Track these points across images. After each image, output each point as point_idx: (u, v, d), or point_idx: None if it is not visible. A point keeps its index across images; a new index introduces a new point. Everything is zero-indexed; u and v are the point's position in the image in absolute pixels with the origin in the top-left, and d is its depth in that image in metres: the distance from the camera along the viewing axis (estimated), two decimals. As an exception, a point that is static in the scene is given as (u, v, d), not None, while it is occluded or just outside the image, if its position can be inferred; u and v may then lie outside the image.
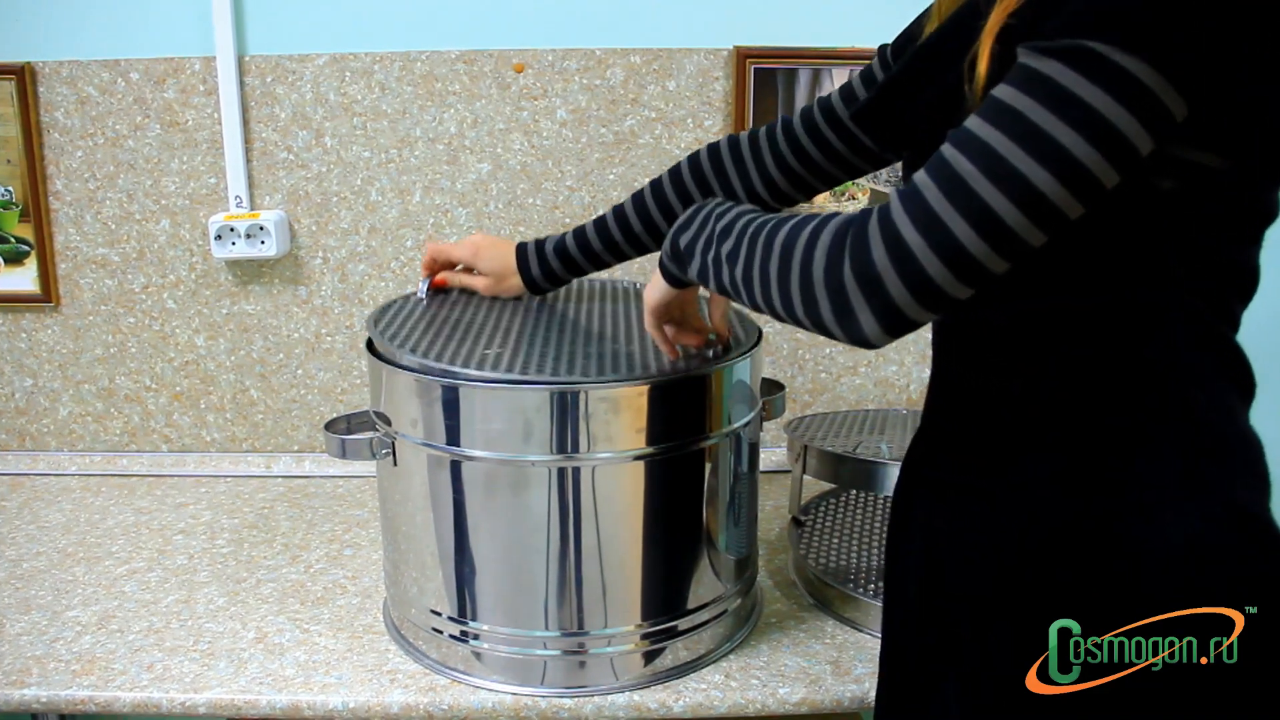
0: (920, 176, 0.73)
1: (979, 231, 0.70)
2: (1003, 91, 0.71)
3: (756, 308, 0.85)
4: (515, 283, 1.33)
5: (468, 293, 1.37)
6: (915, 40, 1.00)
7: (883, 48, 1.10)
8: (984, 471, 0.87)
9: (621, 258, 1.29)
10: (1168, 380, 0.79)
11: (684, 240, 0.95)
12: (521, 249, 1.32)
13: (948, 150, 0.72)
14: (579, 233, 1.29)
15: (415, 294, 1.38)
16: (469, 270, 1.37)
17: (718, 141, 1.22)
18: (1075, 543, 0.80)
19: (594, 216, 1.29)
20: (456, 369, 1.09)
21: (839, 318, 0.76)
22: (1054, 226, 0.71)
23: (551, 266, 1.30)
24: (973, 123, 0.71)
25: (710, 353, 1.16)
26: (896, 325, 0.74)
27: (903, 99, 0.88)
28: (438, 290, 1.39)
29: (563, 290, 1.39)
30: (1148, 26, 0.67)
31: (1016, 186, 0.69)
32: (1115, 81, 0.67)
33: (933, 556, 0.92)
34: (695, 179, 1.21)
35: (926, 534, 0.93)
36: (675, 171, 1.23)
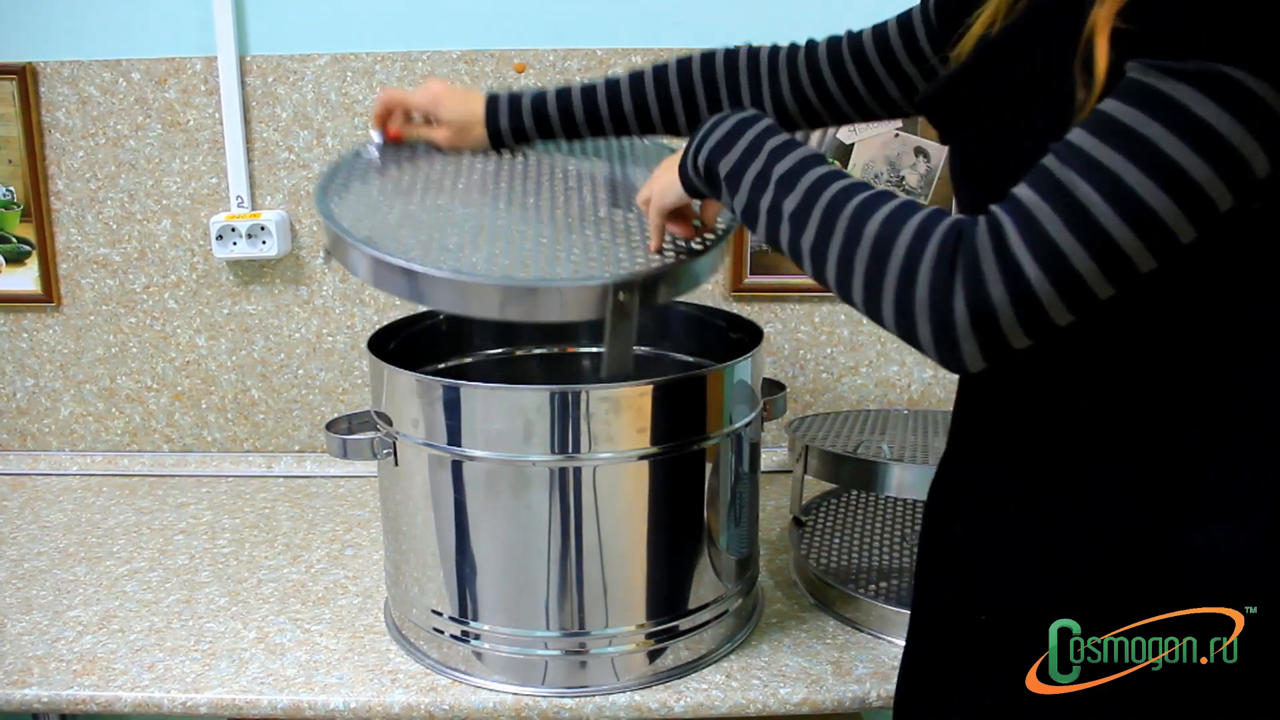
0: (1032, 198, 0.69)
1: (1100, 263, 0.68)
2: (1123, 112, 0.68)
3: (821, 282, 0.81)
4: (479, 134, 1.25)
5: (425, 148, 1.29)
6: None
7: (925, 10, 1.06)
8: (1047, 486, 0.84)
9: (599, 133, 1.23)
10: (1243, 393, 0.78)
11: (724, 165, 0.89)
12: (493, 99, 1.24)
13: (1061, 171, 0.69)
14: (562, 96, 1.22)
15: (366, 150, 1.29)
16: (427, 121, 1.28)
17: (736, 48, 1.18)
18: (1141, 552, 0.79)
19: (582, 82, 1.23)
20: (458, 384, 1.09)
21: (940, 346, 0.73)
22: (1170, 253, 0.69)
23: (524, 123, 1.23)
24: (1087, 142, 0.68)
25: (696, 244, 1.10)
26: (1001, 356, 0.72)
27: (970, 89, 0.85)
28: (393, 143, 1.30)
29: (531, 160, 1.28)
30: (1273, 47, 0.65)
31: (1144, 219, 0.67)
32: (1249, 110, 0.66)
33: (965, 561, 0.91)
34: (705, 80, 1.17)
35: (965, 540, 0.91)
36: (684, 65, 1.18)
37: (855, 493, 1.64)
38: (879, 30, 1.09)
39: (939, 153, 1.67)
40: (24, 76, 1.66)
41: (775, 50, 1.16)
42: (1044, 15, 0.79)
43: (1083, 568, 0.82)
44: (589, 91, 1.21)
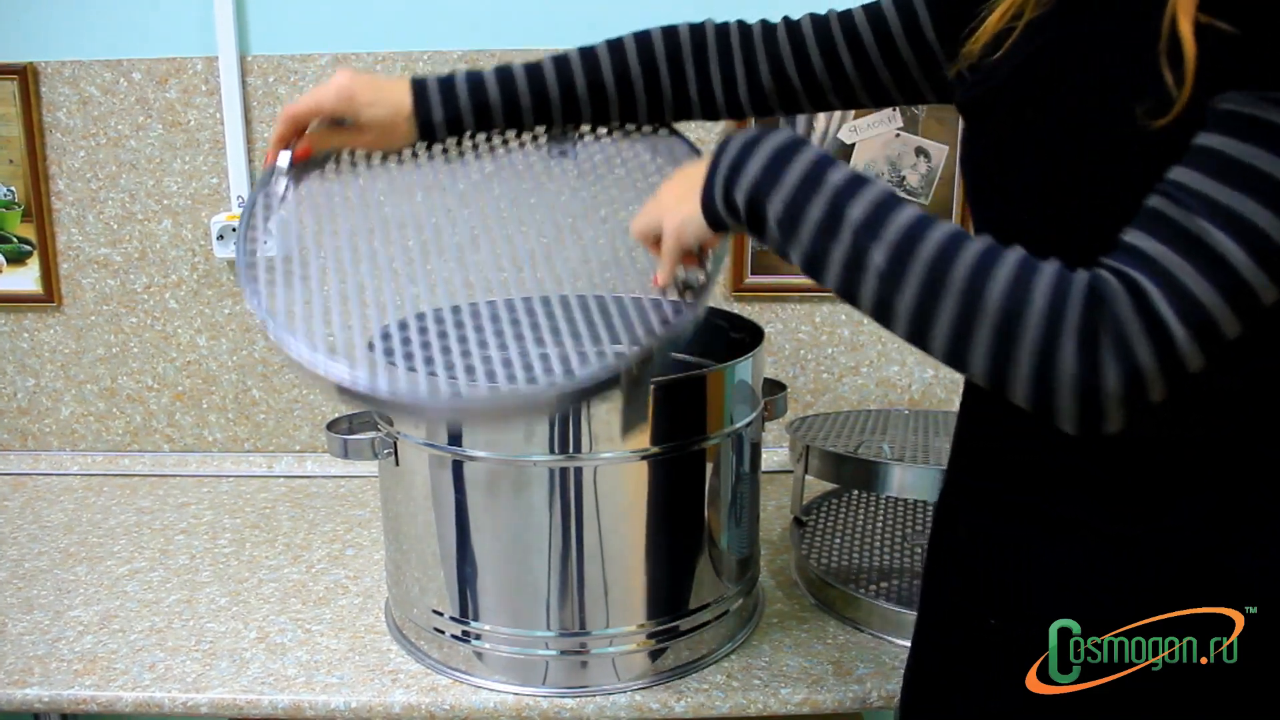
0: (1167, 254, 0.66)
1: (1234, 306, 0.66)
2: (1237, 149, 0.65)
3: (918, 344, 0.73)
4: (407, 130, 1.07)
5: (345, 160, 1.11)
6: None
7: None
8: (1123, 516, 0.81)
9: (545, 120, 1.09)
10: None
11: (775, 203, 0.77)
12: (420, 85, 1.06)
13: (1189, 220, 0.66)
14: (504, 76, 1.07)
15: (273, 184, 1.07)
16: (339, 124, 1.08)
17: (703, 23, 1.08)
18: (1206, 575, 0.79)
19: (525, 61, 1.09)
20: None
21: (1084, 418, 0.68)
22: None
23: (460, 111, 1.07)
24: (1208, 186, 0.66)
25: (699, 275, 0.94)
26: (1142, 413, 0.69)
27: (1028, 89, 0.80)
28: (303, 164, 1.08)
29: (472, 168, 1.11)
30: None
31: (1275, 257, 0.65)
32: None
33: (993, 576, 0.88)
34: (669, 58, 1.07)
35: (994, 557, 0.88)
36: (643, 41, 1.08)
37: (856, 493, 1.64)
38: (873, 11, 1.02)
39: (940, 153, 1.67)
40: (25, 76, 1.66)
41: (748, 26, 1.07)
42: (1099, 8, 0.76)
43: (1150, 591, 0.80)
44: (534, 71, 1.08)
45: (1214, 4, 0.68)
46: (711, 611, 1.21)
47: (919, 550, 1.45)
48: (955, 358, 0.71)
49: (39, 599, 1.36)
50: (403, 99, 1.06)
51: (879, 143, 1.67)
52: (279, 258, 0.99)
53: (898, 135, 1.67)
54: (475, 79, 1.07)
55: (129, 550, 1.50)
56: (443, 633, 1.19)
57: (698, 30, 1.07)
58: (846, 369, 1.76)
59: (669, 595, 1.18)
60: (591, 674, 1.16)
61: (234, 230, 1.66)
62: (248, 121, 1.68)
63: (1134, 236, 0.68)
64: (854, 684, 1.17)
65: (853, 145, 1.67)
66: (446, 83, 1.06)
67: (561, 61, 1.07)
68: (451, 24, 1.65)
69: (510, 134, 1.12)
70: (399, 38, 1.65)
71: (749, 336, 1.30)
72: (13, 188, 1.71)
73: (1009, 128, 0.81)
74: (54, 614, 1.32)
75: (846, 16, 1.03)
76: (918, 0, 0.99)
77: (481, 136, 1.11)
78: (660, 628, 1.17)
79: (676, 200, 0.88)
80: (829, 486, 1.62)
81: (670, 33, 1.07)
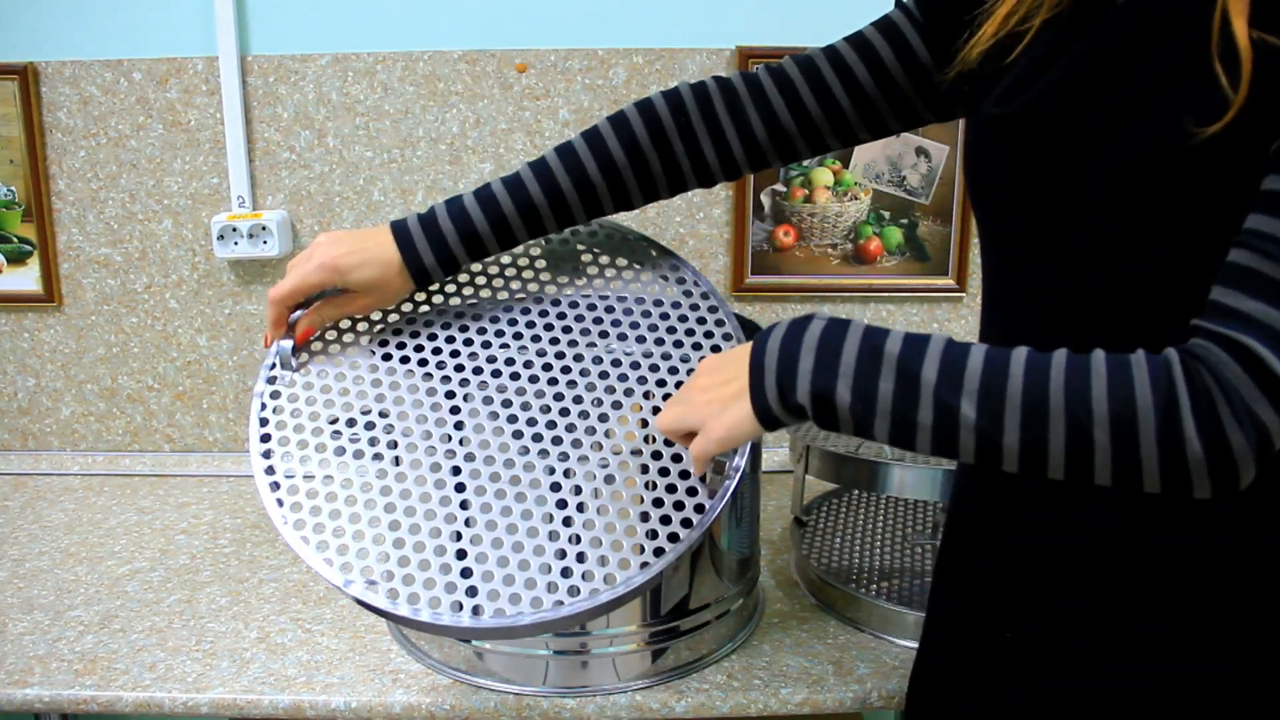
0: (1269, 312, 0.66)
1: None
2: None
3: (1031, 474, 0.72)
4: (401, 284, 1.03)
5: (344, 332, 1.08)
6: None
7: (906, 8, 0.97)
8: (1145, 524, 0.81)
9: (538, 232, 1.03)
10: None
11: (840, 395, 0.76)
12: (403, 232, 1.01)
13: None
14: (485, 199, 1.01)
15: (280, 376, 1.04)
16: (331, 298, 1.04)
17: (677, 89, 1.02)
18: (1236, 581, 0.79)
19: (501, 177, 1.03)
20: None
21: (1221, 487, 0.68)
22: None
23: (450, 249, 1.01)
24: None
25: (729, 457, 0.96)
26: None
27: (1066, 102, 0.78)
28: (302, 348, 1.05)
29: (470, 321, 1.07)
30: None
31: None
32: None
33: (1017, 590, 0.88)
34: (652, 136, 1.01)
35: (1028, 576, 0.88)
36: (620, 122, 1.01)
37: (856, 493, 1.64)
38: (858, 41, 0.99)
39: (940, 153, 1.67)
40: (25, 76, 1.66)
41: (728, 81, 1.02)
42: (1136, 14, 0.75)
43: (1198, 602, 0.80)
44: (515, 185, 1.02)
45: (1263, 18, 0.67)
46: (712, 611, 1.20)
47: (919, 550, 1.45)
48: (1078, 476, 0.70)
49: (39, 599, 1.36)
50: (389, 253, 1.01)
51: (879, 143, 1.67)
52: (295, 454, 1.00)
53: (898, 135, 1.67)
54: (456, 209, 1.01)
55: (129, 550, 1.50)
56: (443, 633, 1.19)
57: (674, 98, 1.02)
58: (847, 369, 1.76)
59: (669, 595, 1.18)
60: (592, 674, 1.16)
61: (234, 230, 1.66)
62: (248, 121, 1.68)
63: (1228, 297, 0.68)
64: (854, 684, 1.17)
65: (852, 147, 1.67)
66: (429, 222, 1.01)
67: (540, 167, 1.01)
68: (453, 24, 1.65)
69: (505, 261, 1.12)
70: (399, 38, 1.65)
71: (749, 337, 1.30)
72: (13, 187, 1.71)
73: (1053, 143, 0.79)
74: (54, 614, 1.32)
75: (832, 52, 1.00)
76: (902, 21, 0.97)
77: (479, 271, 1.11)
78: (660, 628, 1.17)
79: (719, 403, 0.85)
80: (829, 486, 1.62)
81: (646, 109, 1.01)
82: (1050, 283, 0.81)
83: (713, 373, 0.87)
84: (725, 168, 1.04)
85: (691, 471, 0.95)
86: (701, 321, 1.08)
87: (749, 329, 1.14)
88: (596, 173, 1.01)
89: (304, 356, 1.05)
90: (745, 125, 1.01)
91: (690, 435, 0.89)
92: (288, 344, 1.04)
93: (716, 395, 0.85)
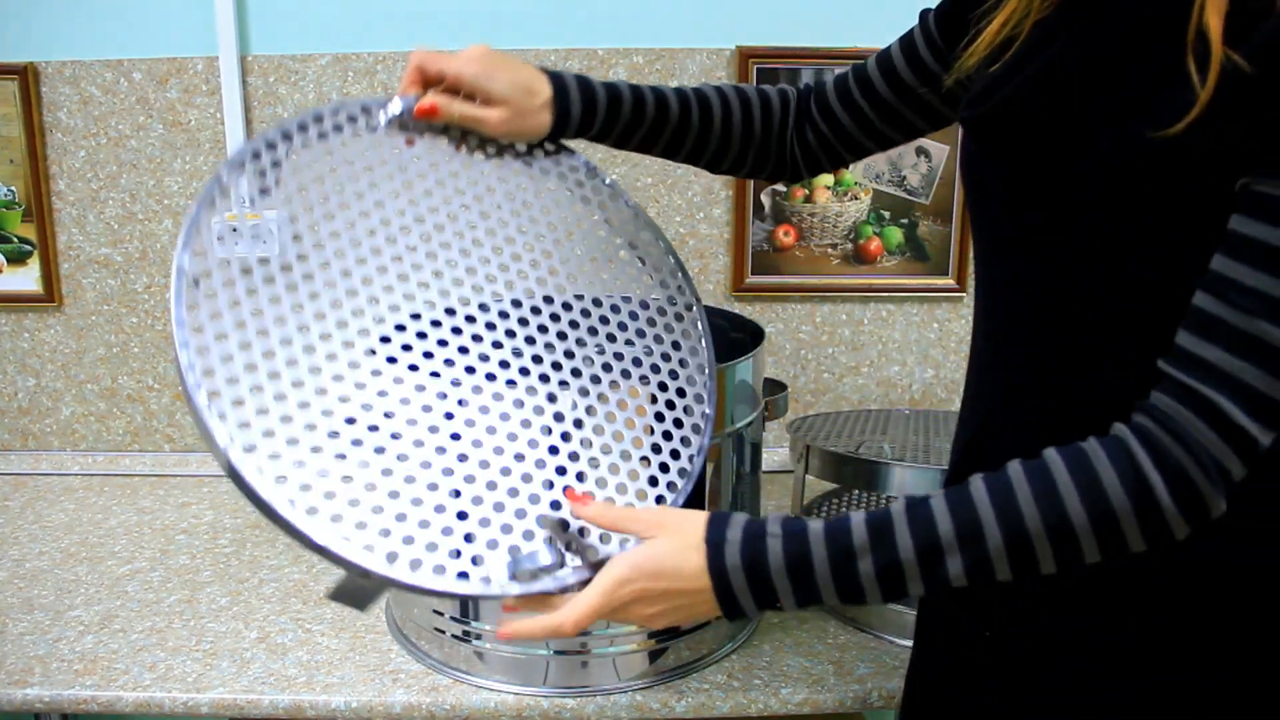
0: (1233, 362, 0.68)
1: None
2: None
3: (1024, 582, 0.75)
4: (542, 120, 1.01)
5: (458, 136, 1.03)
6: (969, 10, 0.92)
7: (926, 13, 1.02)
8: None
9: (656, 135, 1.07)
10: None
11: (828, 599, 0.77)
12: (556, 76, 1.01)
13: (1249, 323, 0.67)
14: (630, 86, 1.05)
15: (373, 115, 1.00)
16: (470, 96, 1.00)
17: (763, 89, 1.12)
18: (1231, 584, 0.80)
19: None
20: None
21: (1197, 528, 0.71)
22: None
23: (596, 107, 1.02)
24: (1261, 281, 0.67)
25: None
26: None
27: (1044, 100, 0.79)
28: (424, 119, 1.00)
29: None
30: None
31: None
32: None
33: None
34: (762, 110, 1.10)
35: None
36: (741, 92, 1.10)
37: (857, 493, 1.64)
38: (882, 57, 1.06)
39: (940, 153, 1.67)
40: (26, 76, 1.66)
41: (784, 92, 1.12)
42: (1111, 14, 0.76)
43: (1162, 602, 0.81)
44: (658, 93, 1.06)
45: (1234, 36, 0.67)
46: (712, 611, 1.20)
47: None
48: (1071, 569, 0.73)
49: (40, 599, 1.36)
50: (540, 84, 1.00)
51: (879, 142, 1.67)
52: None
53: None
54: (604, 82, 1.04)
55: (129, 550, 1.50)
56: (443, 632, 1.19)
57: (763, 99, 1.10)
58: (847, 369, 1.76)
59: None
60: (592, 674, 1.16)
61: (234, 230, 1.66)
62: (248, 121, 1.68)
63: (1192, 344, 0.69)
64: (855, 684, 1.17)
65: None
66: (582, 78, 1.03)
67: (682, 94, 1.07)
68: (452, 24, 1.65)
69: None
70: (400, 38, 1.65)
71: (749, 336, 1.30)
72: (13, 188, 1.71)
73: (1025, 143, 0.80)
74: (55, 614, 1.32)
75: (860, 69, 1.07)
76: (916, 34, 1.02)
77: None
78: (661, 628, 1.17)
79: (672, 614, 0.82)
80: (829, 486, 1.62)
81: (743, 97, 1.10)
82: (1047, 283, 0.81)
83: (657, 602, 0.81)
84: (808, 163, 1.13)
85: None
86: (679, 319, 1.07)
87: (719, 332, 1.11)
88: (697, 113, 1.07)
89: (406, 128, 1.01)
90: (802, 134, 1.11)
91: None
92: (409, 102, 0.99)
93: (674, 618, 0.82)
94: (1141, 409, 0.71)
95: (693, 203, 1.71)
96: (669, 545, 0.80)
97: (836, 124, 1.09)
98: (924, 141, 1.66)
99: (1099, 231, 0.76)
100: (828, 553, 0.76)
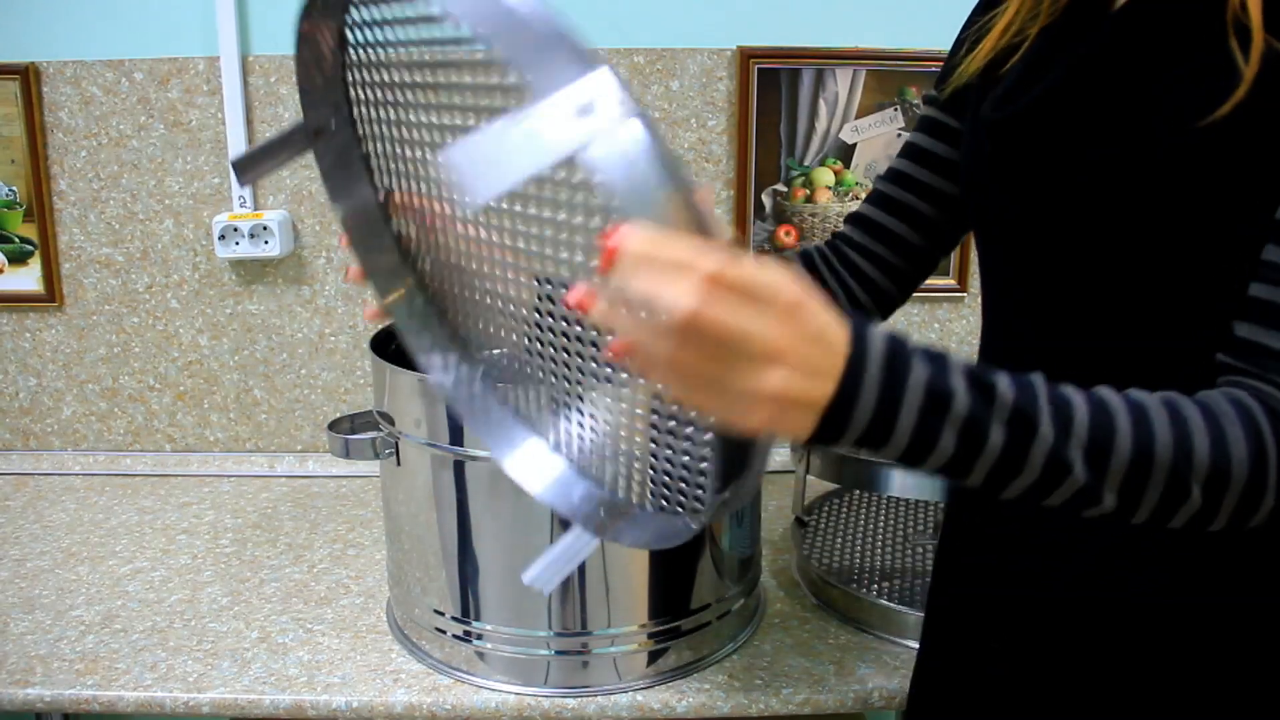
0: None
1: None
2: None
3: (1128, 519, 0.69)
4: None
5: None
6: (957, 84, 0.91)
7: (930, 97, 0.99)
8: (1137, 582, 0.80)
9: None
10: None
11: (949, 443, 0.62)
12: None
13: None
14: None
15: None
16: None
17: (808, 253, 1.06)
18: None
19: None
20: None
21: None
22: None
23: None
24: None
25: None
26: None
27: (1071, 106, 0.78)
28: None
29: None
30: None
31: None
32: None
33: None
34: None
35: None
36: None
37: (857, 493, 1.64)
38: (907, 156, 1.01)
39: (941, 153, 1.67)
40: (27, 76, 1.66)
41: (824, 249, 1.06)
42: (1135, 11, 0.76)
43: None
44: None
45: (1270, 23, 0.68)
46: (713, 612, 1.20)
47: (920, 550, 1.45)
48: (1155, 523, 0.68)
49: (41, 598, 1.36)
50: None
51: (880, 142, 1.67)
52: None
53: (899, 135, 1.67)
54: None
55: (131, 550, 1.50)
56: (444, 632, 1.19)
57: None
58: (848, 369, 1.76)
59: (670, 595, 1.18)
60: (593, 674, 1.16)
61: (235, 230, 1.66)
62: (249, 121, 1.68)
63: (1260, 335, 0.68)
64: (856, 684, 1.17)
65: (854, 145, 1.67)
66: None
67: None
68: (453, 24, 1.65)
69: None
70: (401, 38, 1.65)
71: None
72: (15, 187, 1.71)
73: (1055, 142, 0.79)
74: (56, 614, 1.32)
75: (875, 197, 1.02)
76: (927, 109, 0.99)
77: None
78: (661, 628, 1.17)
79: (790, 355, 0.58)
80: (830, 486, 1.62)
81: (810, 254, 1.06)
82: (1074, 282, 0.80)
83: (795, 322, 0.58)
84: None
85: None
86: None
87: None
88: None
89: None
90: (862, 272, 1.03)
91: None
92: None
93: (780, 364, 0.58)
94: (1256, 395, 0.68)
95: (694, 203, 1.71)
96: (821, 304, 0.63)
97: (861, 275, 1.03)
98: (925, 141, 1.66)
99: (1115, 231, 0.76)
100: (967, 383, 0.63)
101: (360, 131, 0.87)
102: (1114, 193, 0.74)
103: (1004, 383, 0.64)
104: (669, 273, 0.54)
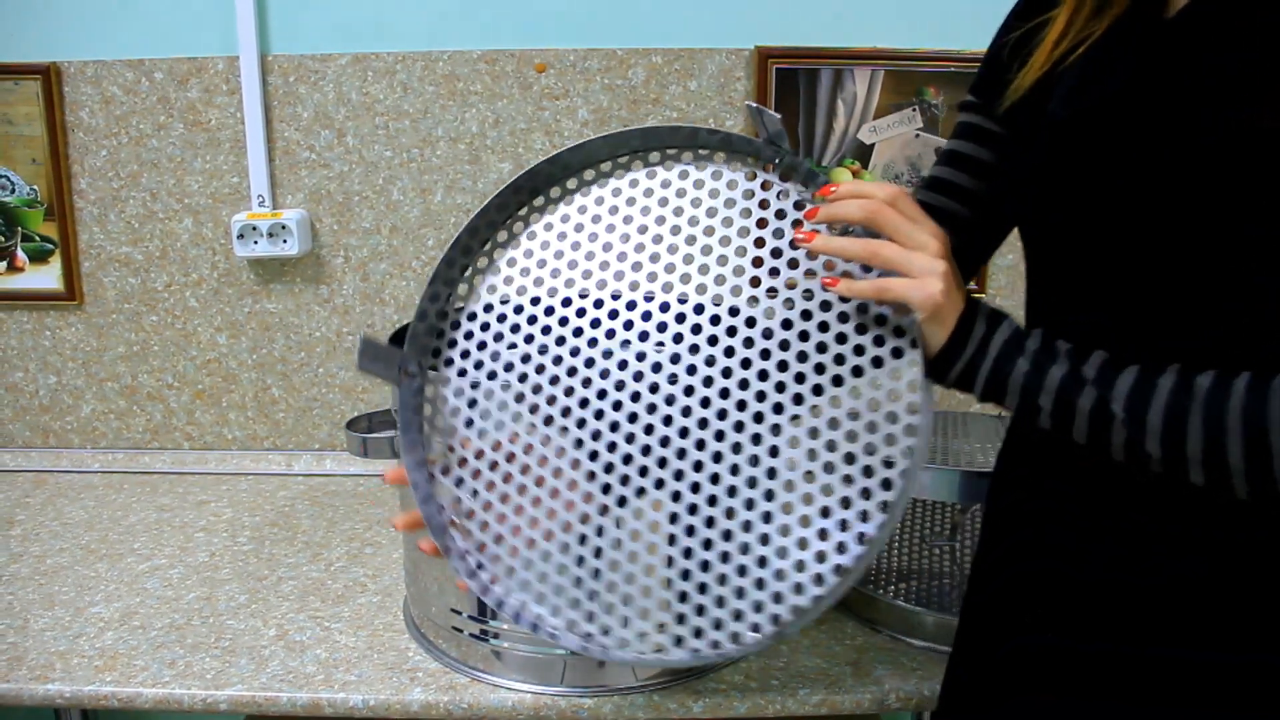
0: None
1: None
2: None
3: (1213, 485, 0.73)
4: None
5: None
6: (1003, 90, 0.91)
7: (969, 104, 0.98)
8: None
9: None
10: None
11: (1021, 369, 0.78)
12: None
13: None
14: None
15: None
16: None
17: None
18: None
19: None
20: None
21: None
22: None
23: None
24: None
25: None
26: None
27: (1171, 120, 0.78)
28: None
29: None
30: None
31: None
32: None
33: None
34: None
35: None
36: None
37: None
38: (946, 165, 1.00)
39: (960, 153, 1.66)
40: (48, 76, 1.67)
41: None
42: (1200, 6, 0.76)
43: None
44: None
45: None
46: (729, 612, 1.20)
47: (937, 551, 1.45)
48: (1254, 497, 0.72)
49: (60, 595, 1.37)
50: None
51: (899, 143, 1.67)
52: None
53: (917, 135, 1.66)
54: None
55: (149, 547, 1.51)
56: (461, 631, 1.19)
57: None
58: (865, 370, 1.76)
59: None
60: (609, 674, 1.16)
61: (254, 229, 1.67)
62: (268, 121, 1.68)
63: None
64: (872, 685, 1.17)
65: (872, 145, 1.67)
66: None
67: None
68: (472, 24, 1.65)
69: None
70: (419, 38, 1.66)
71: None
72: (36, 187, 1.72)
73: (1129, 137, 0.78)
74: (75, 610, 1.33)
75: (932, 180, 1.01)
76: (968, 116, 0.98)
77: None
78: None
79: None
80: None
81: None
82: (1128, 287, 0.79)
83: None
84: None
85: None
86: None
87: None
88: None
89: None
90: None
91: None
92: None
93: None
94: None
95: (711, 203, 1.71)
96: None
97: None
98: (942, 141, 1.65)
99: (1206, 223, 0.75)
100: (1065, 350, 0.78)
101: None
102: (1186, 191, 0.74)
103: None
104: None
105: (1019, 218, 0.91)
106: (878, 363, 0.82)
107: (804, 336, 0.84)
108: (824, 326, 0.84)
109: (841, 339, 0.83)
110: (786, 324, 0.85)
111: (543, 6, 1.65)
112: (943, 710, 1.00)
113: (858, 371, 0.83)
